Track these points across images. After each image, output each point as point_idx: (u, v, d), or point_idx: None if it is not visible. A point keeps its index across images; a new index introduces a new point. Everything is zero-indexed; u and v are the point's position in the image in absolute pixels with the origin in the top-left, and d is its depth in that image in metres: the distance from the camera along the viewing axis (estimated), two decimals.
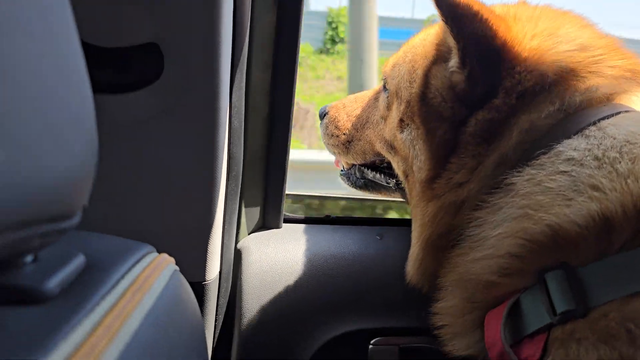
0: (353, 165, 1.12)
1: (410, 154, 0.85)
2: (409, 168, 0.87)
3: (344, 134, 1.08)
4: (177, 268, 0.63)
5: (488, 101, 0.73)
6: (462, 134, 0.75)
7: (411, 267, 0.86)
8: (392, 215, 1.76)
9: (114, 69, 0.80)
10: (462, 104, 0.76)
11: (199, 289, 0.97)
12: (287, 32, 0.98)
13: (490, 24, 0.71)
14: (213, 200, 0.90)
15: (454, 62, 0.76)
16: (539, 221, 0.60)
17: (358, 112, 1.08)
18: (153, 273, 0.51)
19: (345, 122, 1.09)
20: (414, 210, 0.86)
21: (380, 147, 0.99)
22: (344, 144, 1.08)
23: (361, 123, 1.06)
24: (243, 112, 0.95)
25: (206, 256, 0.95)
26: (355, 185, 1.13)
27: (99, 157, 0.42)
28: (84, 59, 0.38)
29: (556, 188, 0.61)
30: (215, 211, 0.92)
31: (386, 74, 0.97)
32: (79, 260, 0.44)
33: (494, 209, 0.68)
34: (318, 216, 1.22)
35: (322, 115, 1.14)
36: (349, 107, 1.10)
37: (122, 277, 0.47)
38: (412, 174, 0.86)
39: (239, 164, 0.99)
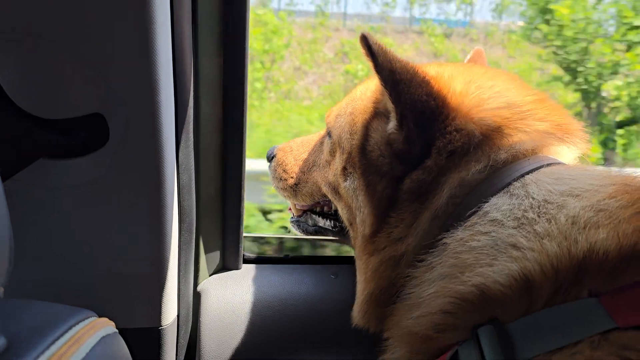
0: (304, 212, 1.16)
1: (353, 204, 0.89)
2: (353, 218, 0.91)
3: (292, 177, 1.11)
4: (111, 331, 0.68)
5: (422, 161, 0.78)
6: (400, 191, 0.79)
7: (357, 315, 0.89)
8: None
9: (62, 137, 0.86)
10: (400, 162, 0.80)
11: (155, 334, 1.02)
12: (235, 86, 1.05)
13: (426, 90, 0.75)
14: (164, 251, 0.96)
15: (392, 124, 0.80)
16: (466, 281, 0.64)
17: (305, 155, 1.11)
18: (74, 344, 0.56)
19: (293, 165, 1.12)
20: (358, 262, 0.89)
21: (326, 190, 1.02)
22: (292, 187, 1.11)
23: (308, 166, 1.09)
24: (192, 168, 1.01)
25: (160, 303, 1.00)
26: (306, 232, 1.17)
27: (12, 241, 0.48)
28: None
29: (479, 247, 0.66)
30: (167, 261, 0.97)
31: (329, 123, 1.01)
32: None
33: (428, 268, 0.72)
34: (276, 256, 1.28)
35: (270, 158, 1.17)
36: (296, 151, 1.13)
37: (42, 352, 0.52)
38: (356, 226, 0.90)
39: (191, 215, 1.04)
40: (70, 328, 0.59)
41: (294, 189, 1.11)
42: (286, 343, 1.16)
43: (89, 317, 0.65)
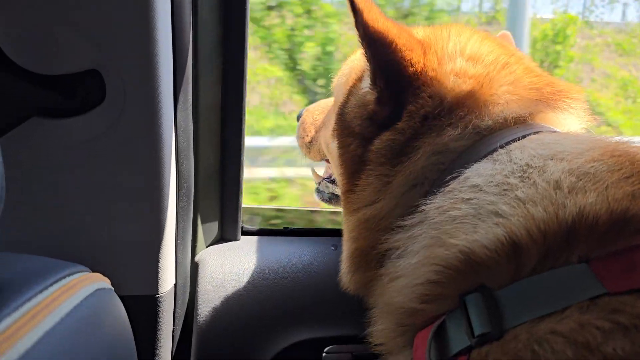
0: (322, 180, 1.18)
1: (337, 163, 0.89)
2: (337, 177, 0.92)
3: (307, 136, 1.15)
4: (106, 286, 0.66)
5: (395, 123, 0.76)
6: (369, 152, 0.79)
7: (345, 277, 0.88)
8: None
9: (59, 94, 0.84)
10: (372, 123, 0.80)
11: (152, 302, 1.01)
12: (235, 48, 1.03)
13: (399, 54, 0.74)
14: (161, 217, 0.94)
15: (366, 82, 0.80)
16: (450, 247, 0.61)
17: (321, 116, 1.15)
18: (67, 292, 0.54)
19: (310, 125, 1.16)
20: (343, 221, 0.89)
21: (324, 148, 1.06)
22: (306, 145, 1.15)
23: (320, 126, 1.13)
24: (191, 131, 0.99)
25: (157, 271, 0.98)
26: (323, 199, 1.20)
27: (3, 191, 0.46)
28: None
29: (460, 216, 0.63)
30: (164, 227, 0.95)
31: (333, 84, 1.02)
32: None
33: (410, 237, 0.70)
34: (275, 228, 1.26)
35: (298, 118, 1.21)
36: (315, 112, 1.17)
37: (34, 296, 0.51)
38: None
39: (189, 180, 1.02)
40: (63, 277, 0.57)
41: (308, 147, 1.15)
42: (284, 314, 1.14)
43: (83, 271, 0.64)
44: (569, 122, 0.80)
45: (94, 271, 0.70)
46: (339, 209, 1.23)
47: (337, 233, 1.27)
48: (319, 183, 1.19)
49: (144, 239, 0.96)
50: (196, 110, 1.03)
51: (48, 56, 0.80)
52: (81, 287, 0.58)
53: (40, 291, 0.52)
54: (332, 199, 1.18)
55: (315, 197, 1.21)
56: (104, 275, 0.77)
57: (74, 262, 0.91)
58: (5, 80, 0.81)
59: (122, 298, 0.75)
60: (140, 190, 0.91)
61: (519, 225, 0.57)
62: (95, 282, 0.63)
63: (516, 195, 0.61)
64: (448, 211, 0.65)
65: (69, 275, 0.59)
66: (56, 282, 0.55)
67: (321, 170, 1.22)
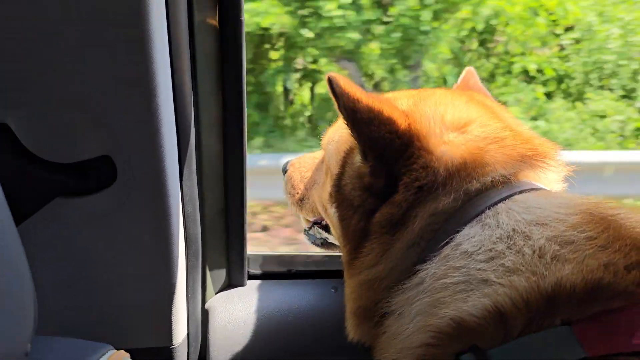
0: (313, 224, 1.22)
1: (338, 231, 0.94)
2: (339, 244, 0.97)
3: (297, 193, 1.18)
4: None
5: (392, 194, 0.81)
6: (372, 224, 0.84)
7: (350, 331, 0.94)
8: None
9: (74, 178, 0.92)
10: (370, 194, 0.85)
11: (167, 353, 1.09)
12: (233, 122, 1.12)
13: (384, 128, 0.79)
14: (172, 277, 1.03)
15: (358, 157, 0.85)
16: (443, 316, 0.69)
17: (309, 173, 1.18)
18: None
19: (299, 182, 1.19)
20: (345, 281, 0.95)
21: (320, 209, 1.09)
22: (297, 202, 1.19)
23: (310, 184, 1.16)
24: (197, 198, 1.08)
25: (171, 323, 1.07)
26: (314, 243, 1.23)
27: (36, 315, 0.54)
28: (21, 247, 0.51)
29: (453, 285, 0.71)
30: (175, 285, 1.04)
31: (323, 146, 1.06)
32: None
33: (407, 301, 0.76)
34: (279, 271, 1.35)
35: (284, 171, 1.24)
36: (302, 168, 1.20)
37: None
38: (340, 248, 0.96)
39: (197, 242, 1.11)
40: None
41: (299, 204, 1.18)
42: (291, 355, 1.22)
43: (108, 351, 0.72)
44: (549, 177, 0.86)
45: (113, 328, 0.78)
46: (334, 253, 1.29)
47: (336, 274, 1.35)
48: (310, 228, 1.21)
49: (157, 297, 1.04)
50: (200, 177, 1.11)
51: (65, 148, 0.89)
52: None
53: None
54: (324, 244, 1.21)
55: (305, 240, 1.24)
56: (123, 330, 0.85)
57: (94, 322, 1.01)
58: (27, 168, 0.90)
59: (138, 350, 0.84)
60: (152, 256, 1.00)
61: (503, 295, 0.65)
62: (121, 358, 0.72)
63: (503, 263, 0.68)
64: (441, 279, 0.72)
65: (99, 358, 0.67)
66: None
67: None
